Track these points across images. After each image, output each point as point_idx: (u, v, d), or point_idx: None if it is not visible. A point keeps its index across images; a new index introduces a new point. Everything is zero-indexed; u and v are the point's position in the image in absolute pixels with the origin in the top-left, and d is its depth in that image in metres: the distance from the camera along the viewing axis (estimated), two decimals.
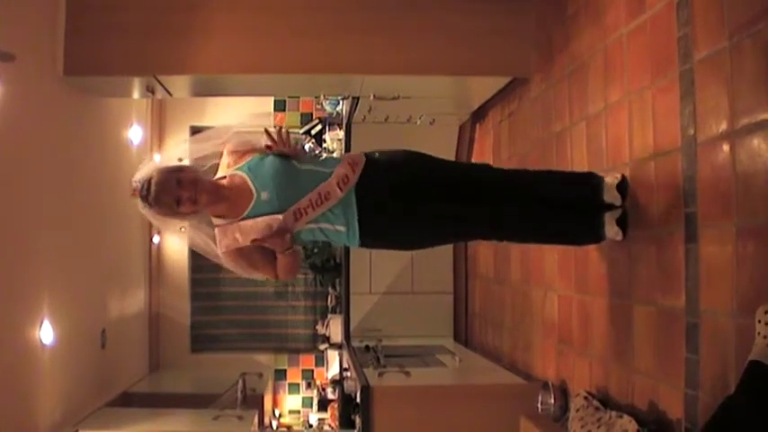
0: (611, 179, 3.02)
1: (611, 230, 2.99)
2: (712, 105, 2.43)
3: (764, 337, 2.06)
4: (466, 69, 4.37)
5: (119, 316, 5.54)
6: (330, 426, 6.09)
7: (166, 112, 6.76)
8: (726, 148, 2.35)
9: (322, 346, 6.52)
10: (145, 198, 2.69)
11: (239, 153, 2.87)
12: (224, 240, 2.80)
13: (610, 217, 3.00)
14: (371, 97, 4.86)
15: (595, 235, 3.06)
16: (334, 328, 6.20)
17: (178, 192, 2.67)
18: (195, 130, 6.71)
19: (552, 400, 3.61)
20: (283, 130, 2.85)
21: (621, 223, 2.98)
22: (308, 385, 6.82)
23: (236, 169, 2.82)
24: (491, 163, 5.18)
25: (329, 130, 6.45)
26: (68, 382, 4.40)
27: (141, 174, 2.75)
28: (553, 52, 3.96)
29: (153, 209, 2.70)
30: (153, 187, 2.67)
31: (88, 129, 4.90)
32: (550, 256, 3.96)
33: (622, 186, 3.00)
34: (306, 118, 6.88)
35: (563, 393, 3.64)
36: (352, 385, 4.66)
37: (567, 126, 3.75)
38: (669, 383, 2.69)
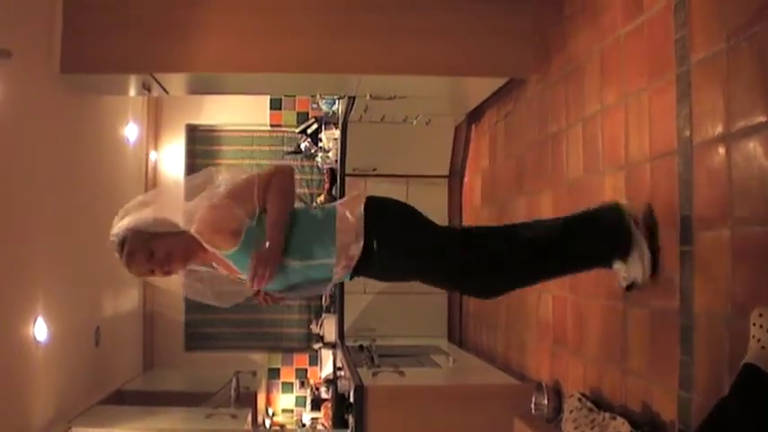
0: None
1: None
2: (709, 108, 2.44)
3: (759, 340, 2.07)
4: (462, 70, 4.37)
5: (113, 314, 5.54)
6: (323, 425, 6.08)
7: (163, 109, 6.75)
8: (722, 150, 2.36)
9: (316, 346, 6.52)
10: (120, 258, 2.61)
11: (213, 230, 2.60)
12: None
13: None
14: (368, 97, 4.86)
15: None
16: (329, 328, 6.20)
17: (149, 265, 2.60)
18: (191, 129, 6.74)
19: (546, 401, 3.61)
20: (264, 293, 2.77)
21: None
22: (302, 384, 6.82)
23: (226, 256, 2.61)
24: (488, 163, 5.20)
25: (325, 129, 6.45)
26: (62, 379, 4.40)
27: (116, 230, 2.64)
28: (550, 53, 3.96)
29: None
30: (125, 257, 2.58)
31: (84, 126, 4.89)
32: None
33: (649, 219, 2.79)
34: (302, 117, 6.88)
35: (557, 394, 3.64)
36: (345, 385, 4.65)
37: (563, 127, 3.75)
38: (663, 385, 2.70)
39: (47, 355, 4.11)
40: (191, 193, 2.69)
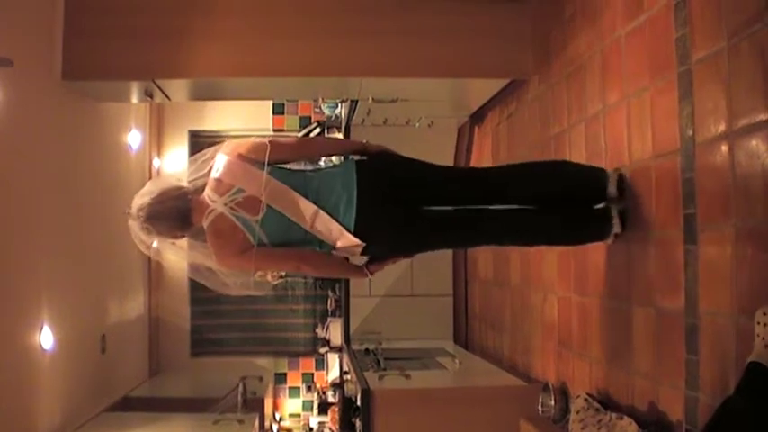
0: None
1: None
2: (711, 106, 2.43)
3: (763, 338, 2.06)
4: (464, 72, 4.37)
5: (118, 320, 5.54)
6: (330, 429, 6.09)
7: (165, 116, 6.76)
8: (724, 149, 2.36)
9: (322, 350, 6.51)
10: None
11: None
12: None
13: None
14: (370, 100, 4.86)
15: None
16: (334, 332, 6.20)
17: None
18: (194, 135, 6.74)
19: (552, 402, 3.61)
20: None
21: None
22: (309, 388, 6.82)
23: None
24: (491, 164, 5.19)
25: (328, 133, 6.45)
26: (68, 386, 4.40)
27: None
28: (551, 54, 3.96)
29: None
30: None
31: (87, 133, 4.90)
32: (550, 258, 3.96)
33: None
34: (304, 121, 6.88)
35: (563, 395, 3.64)
36: (352, 388, 4.65)
37: (565, 128, 3.75)
38: (669, 385, 2.70)
39: (53, 362, 4.11)
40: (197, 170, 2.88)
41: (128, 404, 5.35)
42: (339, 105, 6.03)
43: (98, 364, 5.01)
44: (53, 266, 4.20)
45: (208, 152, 2.89)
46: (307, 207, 2.75)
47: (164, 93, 4.52)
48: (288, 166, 2.87)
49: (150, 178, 6.38)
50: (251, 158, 2.77)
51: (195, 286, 6.67)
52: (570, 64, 3.69)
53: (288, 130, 6.87)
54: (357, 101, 5.04)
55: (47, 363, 4.06)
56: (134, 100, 4.81)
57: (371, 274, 2.93)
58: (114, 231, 5.44)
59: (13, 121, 3.68)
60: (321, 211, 2.75)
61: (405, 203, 2.86)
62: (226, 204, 2.73)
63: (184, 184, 2.87)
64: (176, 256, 2.96)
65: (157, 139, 6.66)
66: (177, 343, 6.66)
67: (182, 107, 6.60)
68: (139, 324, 6.21)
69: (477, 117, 5.56)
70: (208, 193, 2.77)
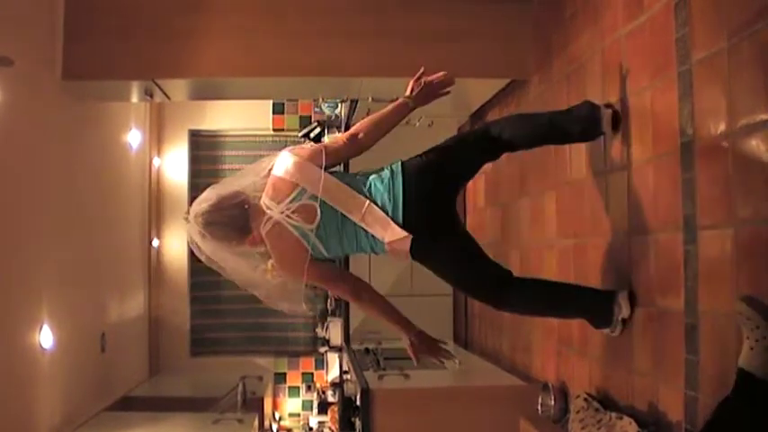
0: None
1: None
2: (711, 106, 2.43)
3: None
4: (464, 71, 4.35)
5: (118, 320, 5.54)
6: (330, 429, 6.09)
7: (165, 115, 6.76)
8: (724, 148, 2.35)
9: (322, 349, 6.52)
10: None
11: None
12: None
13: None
14: (370, 99, 4.85)
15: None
16: (334, 331, 6.20)
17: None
18: (194, 134, 6.74)
19: (552, 402, 3.61)
20: None
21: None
22: (308, 388, 6.82)
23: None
24: (490, 164, 5.18)
25: (328, 132, 6.45)
26: (68, 386, 4.40)
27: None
28: (551, 54, 3.96)
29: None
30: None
31: (87, 133, 4.90)
32: (549, 258, 3.96)
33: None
34: (304, 121, 6.89)
35: (563, 395, 3.64)
36: (351, 388, 4.65)
37: None
38: (669, 384, 2.69)
39: (52, 361, 4.12)
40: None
41: (127, 404, 5.35)
42: (339, 105, 6.03)
43: (98, 364, 5.01)
44: (53, 265, 4.20)
45: (265, 160, 2.92)
46: (359, 200, 2.83)
47: (164, 92, 4.52)
48: (339, 170, 2.99)
49: (150, 177, 6.39)
50: (310, 162, 2.84)
51: (195, 286, 6.68)
52: (571, 63, 3.69)
53: (288, 130, 6.88)
54: (357, 100, 5.04)
55: (46, 362, 4.06)
56: (134, 99, 4.81)
57: (415, 357, 3.18)
58: (114, 230, 5.47)
59: (13, 120, 3.68)
60: (373, 205, 2.83)
61: (449, 198, 3.11)
62: (282, 213, 2.76)
63: (243, 190, 2.87)
64: (229, 264, 2.93)
65: (157, 138, 6.67)
66: (177, 342, 6.66)
67: (182, 106, 6.61)
68: (139, 323, 6.21)
69: (478, 117, 5.56)
70: (264, 201, 2.80)
